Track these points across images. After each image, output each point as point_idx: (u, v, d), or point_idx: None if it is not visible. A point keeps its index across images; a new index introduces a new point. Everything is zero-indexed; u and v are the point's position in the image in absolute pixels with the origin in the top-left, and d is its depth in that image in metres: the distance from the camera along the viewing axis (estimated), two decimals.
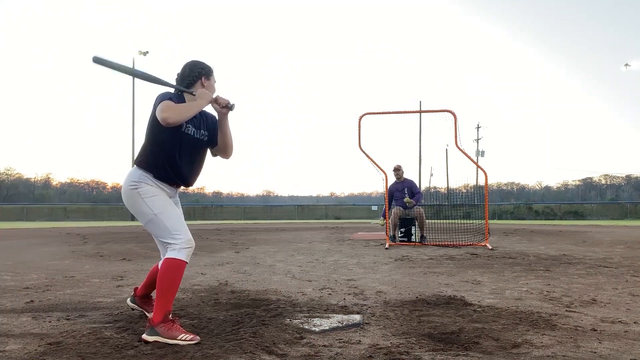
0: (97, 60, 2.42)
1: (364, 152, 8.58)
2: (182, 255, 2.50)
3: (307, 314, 2.99)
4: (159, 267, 2.80)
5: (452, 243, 8.32)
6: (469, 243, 8.19)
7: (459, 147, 8.15)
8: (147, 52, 30.88)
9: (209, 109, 2.71)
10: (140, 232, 12.55)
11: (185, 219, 2.68)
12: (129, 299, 3.06)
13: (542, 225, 18.58)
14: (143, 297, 2.96)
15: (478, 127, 45.03)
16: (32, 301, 3.45)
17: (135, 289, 3.00)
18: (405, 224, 8.90)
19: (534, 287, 3.96)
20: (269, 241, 9.68)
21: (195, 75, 2.67)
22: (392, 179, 9.11)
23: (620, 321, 2.77)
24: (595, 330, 2.56)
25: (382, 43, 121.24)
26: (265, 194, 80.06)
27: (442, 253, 6.97)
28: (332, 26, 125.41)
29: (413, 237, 8.84)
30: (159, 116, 2.41)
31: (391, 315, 2.97)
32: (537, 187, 77.17)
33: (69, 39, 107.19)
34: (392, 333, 2.55)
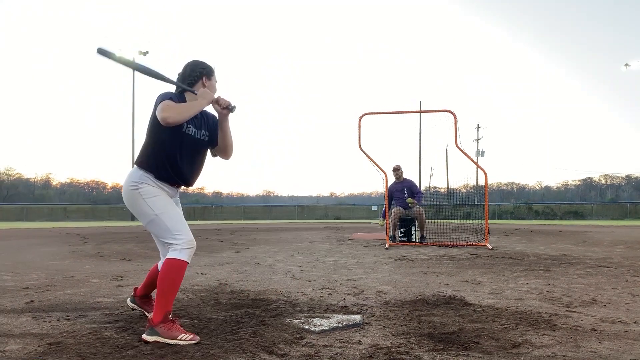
0: (102, 52, 2.42)
1: (364, 152, 8.59)
2: (184, 255, 2.49)
3: (307, 314, 2.99)
4: (160, 268, 2.80)
5: (452, 243, 8.32)
6: (469, 243, 8.19)
7: (459, 147, 8.15)
8: (147, 52, 30.86)
9: (210, 109, 2.71)
10: (140, 232, 12.55)
11: (185, 219, 2.68)
12: (128, 299, 3.06)
13: (542, 225, 18.58)
14: (143, 297, 2.96)
15: (478, 127, 45.06)
16: (32, 301, 3.45)
17: (135, 289, 3.00)
18: (405, 224, 8.90)
19: (534, 287, 3.96)
20: (269, 241, 9.68)
21: (196, 75, 2.67)
22: (392, 179, 9.11)
23: (620, 321, 2.77)
24: (595, 330, 2.56)
25: (382, 43, 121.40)
26: (265, 194, 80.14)
27: (442, 253, 6.97)
28: (332, 26, 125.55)
29: (413, 237, 8.84)
30: (158, 116, 2.41)
31: (391, 315, 2.97)
32: (537, 187, 77.24)
33: (69, 39, 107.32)
34: (392, 333, 2.55)
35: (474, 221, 9.60)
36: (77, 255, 6.85)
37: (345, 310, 3.13)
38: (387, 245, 8.09)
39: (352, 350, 2.24)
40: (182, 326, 2.49)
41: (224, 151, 2.75)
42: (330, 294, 3.75)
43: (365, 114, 8.59)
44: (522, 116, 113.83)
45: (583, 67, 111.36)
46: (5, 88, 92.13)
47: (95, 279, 4.56)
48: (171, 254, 2.49)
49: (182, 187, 2.73)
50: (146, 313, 2.90)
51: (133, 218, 26.38)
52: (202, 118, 2.70)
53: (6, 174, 56.84)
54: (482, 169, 8.98)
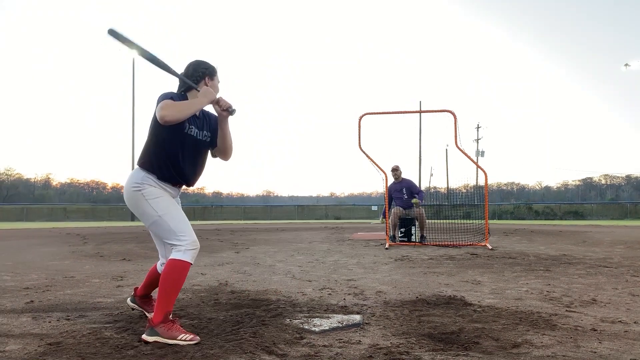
0: (112, 33, 2.41)
1: (364, 152, 8.59)
2: (188, 256, 2.49)
3: (307, 314, 2.99)
4: (159, 268, 2.80)
5: (452, 243, 8.33)
6: (469, 243, 8.20)
7: (459, 147, 8.15)
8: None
9: (211, 109, 2.70)
10: (140, 232, 12.55)
11: None
12: (129, 299, 3.06)
13: (542, 225, 18.58)
14: (143, 297, 2.96)
15: (478, 127, 45.05)
16: (32, 301, 3.45)
17: (136, 288, 3.00)
18: (405, 224, 8.90)
19: (534, 287, 3.96)
20: (269, 241, 9.68)
21: (199, 75, 2.66)
22: (391, 179, 9.12)
23: (620, 321, 2.77)
24: (595, 330, 2.56)
25: (382, 43, 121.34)
26: (265, 194, 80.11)
27: (442, 253, 6.97)
28: (332, 26, 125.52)
29: (413, 237, 8.84)
30: (157, 114, 2.39)
31: (391, 315, 2.97)
32: (537, 187, 77.23)
33: (69, 39, 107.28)
34: (392, 333, 2.55)
35: (474, 221, 9.61)
36: (77, 256, 6.86)
37: (345, 310, 3.13)
38: (387, 245, 8.09)
39: (352, 350, 2.24)
40: (182, 326, 2.49)
41: (224, 152, 2.74)
42: (330, 294, 3.75)
43: (365, 114, 8.59)
44: (522, 116, 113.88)
45: (583, 67, 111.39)
46: (6, 88, 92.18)
47: (95, 279, 4.56)
48: (175, 255, 2.48)
49: (183, 187, 2.73)
50: (146, 313, 2.90)
51: (133, 218, 26.37)
52: (204, 119, 2.70)
53: (6, 174, 56.87)
54: (482, 169, 8.98)
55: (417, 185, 9.46)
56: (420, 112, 14.41)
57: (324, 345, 2.32)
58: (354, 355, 2.18)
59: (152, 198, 2.52)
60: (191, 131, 2.59)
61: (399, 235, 8.87)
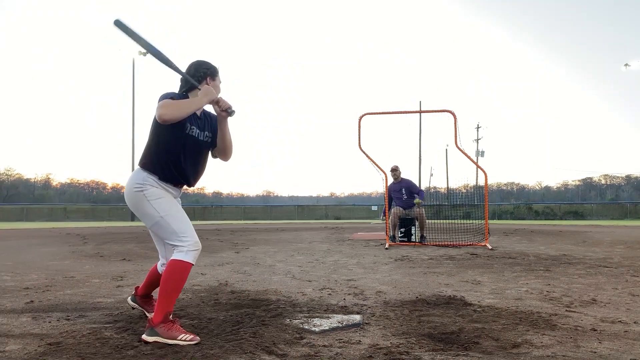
0: (119, 25, 2.40)
1: (364, 152, 8.59)
2: (190, 257, 2.48)
3: (307, 314, 2.99)
4: (160, 268, 2.80)
5: (452, 243, 8.32)
6: (469, 243, 8.20)
7: (458, 147, 8.15)
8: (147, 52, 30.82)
9: (211, 109, 2.70)
10: (140, 233, 12.55)
11: None
12: (129, 298, 3.06)
13: (542, 225, 18.58)
14: (144, 297, 2.95)
15: (478, 127, 45.05)
16: (32, 301, 3.45)
17: (137, 288, 2.99)
18: (405, 224, 8.90)
19: (534, 287, 3.96)
20: (269, 241, 9.68)
21: (200, 75, 2.65)
22: (391, 179, 9.12)
23: (620, 321, 2.77)
24: (595, 330, 2.56)
25: (382, 43, 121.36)
26: (265, 194, 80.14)
27: (442, 253, 6.97)
28: (332, 26, 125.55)
29: (413, 237, 8.84)
30: (156, 114, 2.39)
31: (391, 315, 2.97)
32: (537, 187, 77.23)
33: (69, 39, 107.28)
34: (392, 333, 2.55)
35: (474, 221, 9.61)
36: (77, 256, 6.85)
37: (345, 310, 3.13)
38: (387, 245, 8.09)
39: (352, 350, 2.24)
40: (182, 326, 2.49)
41: (223, 153, 2.73)
42: (330, 294, 3.75)
43: (365, 114, 8.59)
44: (522, 116, 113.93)
45: (583, 67, 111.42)
46: (6, 88, 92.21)
47: (95, 279, 4.56)
48: (177, 256, 2.48)
49: (184, 187, 2.72)
50: (146, 313, 2.90)
51: (133, 218, 26.37)
52: (205, 119, 2.69)
53: (6, 174, 56.85)
54: (482, 169, 8.98)
55: (417, 184, 9.46)
56: (420, 112, 14.42)
57: (324, 345, 2.32)
58: (354, 355, 2.18)
59: (154, 199, 2.52)
60: (192, 132, 2.58)
61: (399, 235, 8.87)
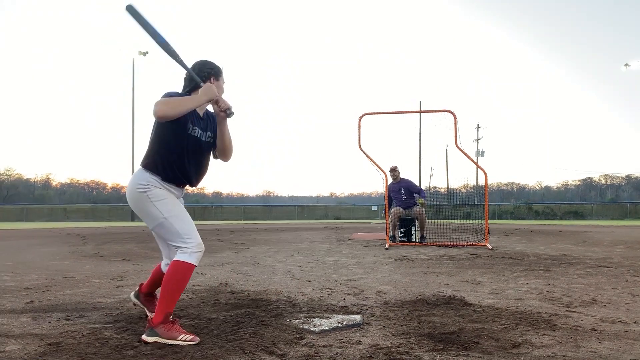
0: (130, 10, 2.39)
1: (364, 152, 8.59)
2: (193, 259, 2.48)
3: (307, 314, 2.99)
4: (164, 268, 2.79)
5: (452, 243, 8.32)
6: (469, 243, 8.19)
7: (459, 147, 8.15)
8: (147, 52, 30.84)
9: (211, 109, 2.69)
10: (140, 233, 12.55)
11: None
12: (132, 294, 3.03)
13: (542, 225, 18.58)
14: (147, 295, 2.94)
15: (478, 127, 45.06)
16: (32, 301, 3.45)
17: (141, 285, 2.98)
18: (405, 224, 8.90)
19: (534, 287, 3.96)
20: (269, 241, 9.68)
21: (204, 75, 2.63)
22: (391, 179, 9.11)
23: (620, 321, 2.77)
24: (595, 330, 2.56)
25: (382, 43, 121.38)
26: (265, 194, 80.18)
27: (442, 253, 6.97)
28: (332, 26, 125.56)
29: (413, 237, 8.84)
30: (153, 111, 2.36)
31: (391, 315, 2.97)
32: (537, 187, 77.24)
33: (69, 39, 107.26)
34: (392, 333, 2.55)
35: (474, 221, 9.61)
36: (77, 256, 6.85)
37: (345, 310, 3.13)
38: (387, 246, 8.09)
39: (352, 351, 2.24)
40: (182, 326, 2.49)
41: (223, 153, 2.72)
42: (330, 294, 3.75)
43: (365, 114, 8.59)
44: (522, 116, 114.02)
45: (583, 67, 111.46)
46: (6, 88, 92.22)
47: (95, 279, 4.56)
48: (180, 257, 2.47)
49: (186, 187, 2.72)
50: (147, 312, 2.90)
51: (133, 218, 26.38)
52: (207, 119, 2.68)
53: (6, 174, 56.86)
54: (482, 169, 8.98)
55: (417, 184, 9.45)
56: (420, 112, 14.42)
57: (324, 346, 2.32)
58: (354, 355, 2.18)
59: (158, 200, 2.50)
60: (194, 132, 2.57)
61: (399, 235, 8.87)
